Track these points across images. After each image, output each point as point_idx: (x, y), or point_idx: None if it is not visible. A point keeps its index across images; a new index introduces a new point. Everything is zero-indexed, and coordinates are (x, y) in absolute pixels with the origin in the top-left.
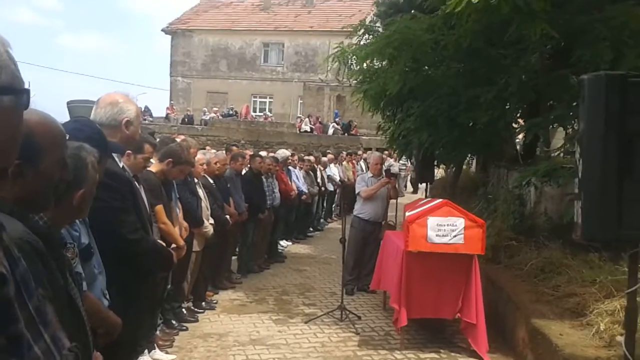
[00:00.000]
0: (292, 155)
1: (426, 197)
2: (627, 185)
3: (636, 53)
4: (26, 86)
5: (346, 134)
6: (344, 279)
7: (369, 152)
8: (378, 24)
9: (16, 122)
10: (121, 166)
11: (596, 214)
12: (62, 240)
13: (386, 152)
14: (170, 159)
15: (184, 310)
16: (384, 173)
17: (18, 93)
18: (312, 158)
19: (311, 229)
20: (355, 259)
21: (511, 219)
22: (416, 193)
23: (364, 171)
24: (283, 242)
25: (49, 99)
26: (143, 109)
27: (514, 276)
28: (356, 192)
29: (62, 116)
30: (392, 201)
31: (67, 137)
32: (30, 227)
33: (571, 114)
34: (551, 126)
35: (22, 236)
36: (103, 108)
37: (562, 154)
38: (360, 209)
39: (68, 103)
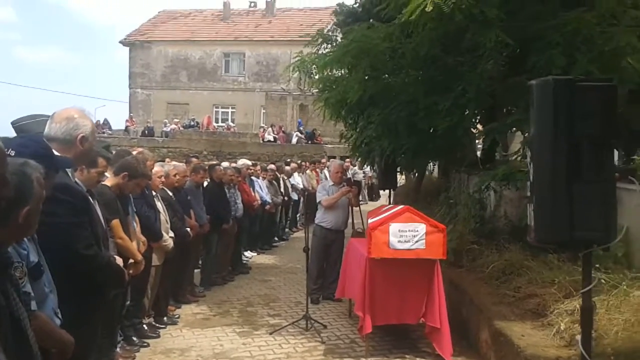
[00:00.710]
0: (254, 165)
1: (389, 203)
2: (576, 188)
3: (588, 58)
4: None
5: (310, 143)
6: (309, 288)
7: (331, 160)
8: (337, 33)
9: None
10: (74, 181)
11: (548, 217)
12: (8, 260)
13: (347, 160)
14: (125, 173)
15: (144, 326)
16: (344, 182)
17: None
18: (274, 167)
19: (276, 239)
20: (319, 268)
21: (472, 222)
22: (374, 201)
23: (328, 179)
24: (247, 253)
25: (6, 114)
26: (102, 122)
27: (476, 279)
28: (317, 200)
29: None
30: (361, 208)
31: (11, 154)
32: None
33: (527, 118)
34: (509, 131)
35: None
36: (58, 123)
37: (519, 158)
38: (322, 218)
39: (13, 123)
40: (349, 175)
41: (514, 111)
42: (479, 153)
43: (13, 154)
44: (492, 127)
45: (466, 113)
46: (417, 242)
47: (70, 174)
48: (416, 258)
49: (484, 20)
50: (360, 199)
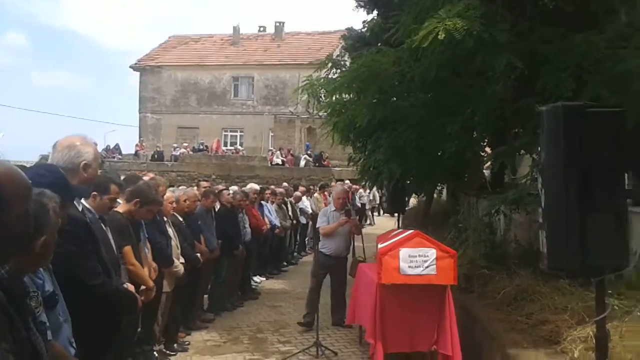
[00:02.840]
0: (265, 189)
1: (398, 227)
2: (589, 216)
3: (598, 81)
4: None
5: (318, 166)
6: (310, 313)
7: (335, 184)
8: (346, 57)
9: None
10: (80, 209)
11: (560, 244)
12: (25, 290)
13: (355, 185)
14: (137, 199)
15: (155, 353)
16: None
17: None
18: (283, 190)
19: (285, 263)
20: (316, 295)
21: (482, 247)
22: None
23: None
24: (257, 278)
25: (21, 138)
26: (113, 147)
27: (488, 305)
28: (317, 226)
29: (34, 152)
30: (368, 230)
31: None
32: None
33: (537, 141)
34: (518, 154)
35: None
36: (60, 152)
37: (528, 181)
38: (323, 244)
39: None
40: (356, 202)
41: (522, 134)
42: (487, 175)
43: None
44: (501, 150)
45: (474, 136)
46: (427, 267)
47: (76, 203)
48: (427, 284)
49: (494, 44)
50: (369, 221)
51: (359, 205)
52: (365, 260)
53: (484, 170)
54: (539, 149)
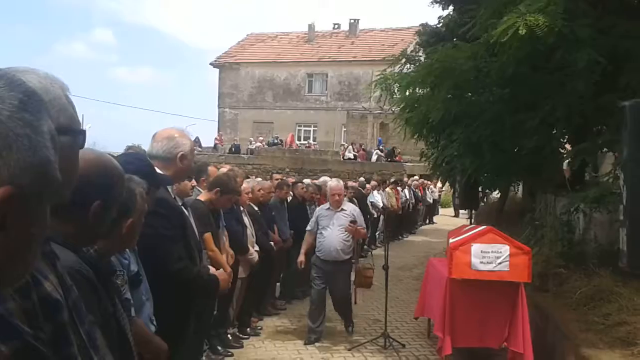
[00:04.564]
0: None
1: (471, 223)
2: None
3: None
4: (81, 122)
5: (389, 161)
6: (311, 325)
7: (329, 179)
8: (420, 53)
9: (73, 161)
10: (173, 197)
11: None
12: (112, 269)
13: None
14: (218, 189)
15: (229, 336)
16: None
17: (75, 134)
18: (355, 184)
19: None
20: (318, 304)
21: (559, 246)
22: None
23: (408, 198)
24: None
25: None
26: (194, 140)
27: (563, 305)
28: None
29: (116, 145)
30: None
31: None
32: (82, 257)
33: (619, 138)
34: (599, 151)
35: (73, 266)
36: (160, 142)
37: (611, 179)
38: (318, 247)
39: None
40: (427, 197)
41: (605, 131)
42: (566, 173)
43: None
44: (582, 147)
45: (554, 132)
46: (500, 263)
47: (170, 191)
48: (499, 280)
49: (576, 39)
50: (427, 220)
51: (430, 200)
52: (373, 268)
53: (564, 168)
54: (622, 145)
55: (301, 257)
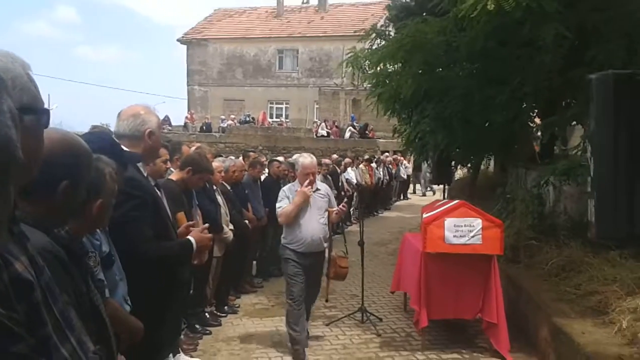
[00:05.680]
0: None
1: (444, 198)
2: (638, 184)
3: None
4: (47, 102)
5: (363, 137)
6: (294, 333)
7: (299, 155)
8: (390, 28)
9: (38, 140)
10: (144, 175)
11: (609, 213)
12: (84, 249)
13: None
14: (190, 167)
15: (207, 314)
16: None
17: (39, 113)
18: (329, 161)
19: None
20: (305, 305)
21: (530, 218)
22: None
23: (382, 176)
24: None
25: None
26: (163, 119)
27: (535, 276)
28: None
29: (83, 125)
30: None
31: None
32: (53, 238)
33: (587, 112)
34: (568, 124)
35: (45, 246)
36: (125, 120)
37: (579, 152)
38: (291, 238)
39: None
40: (400, 173)
41: (574, 104)
42: (535, 147)
43: None
44: (551, 120)
45: (523, 106)
46: (473, 237)
47: (142, 169)
48: (472, 253)
49: (543, 13)
50: (402, 196)
51: (404, 177)
52: (346, 256)
53: (533, 142)
54: (589, 118)
55: (304, 189)
